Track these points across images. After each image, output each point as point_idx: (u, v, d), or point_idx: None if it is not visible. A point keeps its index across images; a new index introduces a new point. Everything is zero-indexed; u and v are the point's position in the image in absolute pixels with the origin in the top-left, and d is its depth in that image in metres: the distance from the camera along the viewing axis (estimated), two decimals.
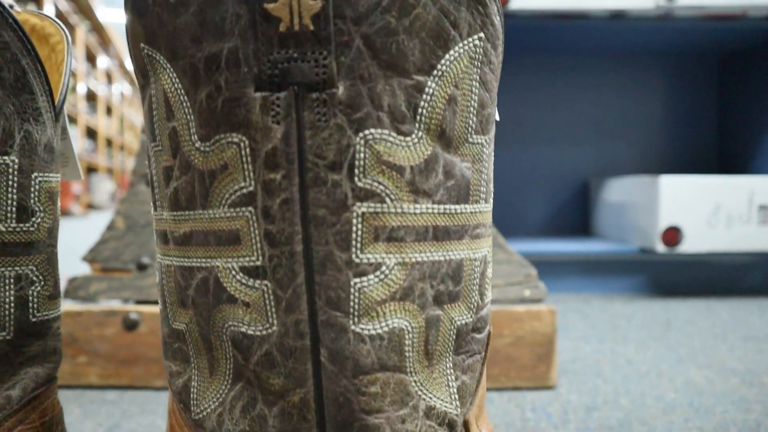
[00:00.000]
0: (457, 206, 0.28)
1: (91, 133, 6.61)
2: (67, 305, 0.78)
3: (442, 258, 0.28)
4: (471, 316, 0.30)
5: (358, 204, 0.26)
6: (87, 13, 6.18)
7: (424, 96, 0.27)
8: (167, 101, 0.28)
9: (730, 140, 1.53)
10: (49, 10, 4.68)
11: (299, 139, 0.26)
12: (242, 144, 0.26)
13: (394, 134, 0.26)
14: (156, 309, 0.77)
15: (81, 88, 5.64)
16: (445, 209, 0.28)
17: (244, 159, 0.26)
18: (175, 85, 0.27)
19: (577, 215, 1.56)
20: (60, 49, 0.35)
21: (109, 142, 7.37)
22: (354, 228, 0.26)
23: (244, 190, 0.26)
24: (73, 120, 5.51)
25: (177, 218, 0.29)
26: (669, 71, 1.56)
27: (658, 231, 1.21)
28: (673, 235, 1.21)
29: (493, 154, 0.31)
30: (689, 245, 1.22)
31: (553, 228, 1.56)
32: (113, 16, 9.25)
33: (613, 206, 1.42)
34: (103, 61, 6.85)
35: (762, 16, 1.25)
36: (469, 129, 0.28)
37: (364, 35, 0.26)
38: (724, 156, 1.55)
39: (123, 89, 8.13)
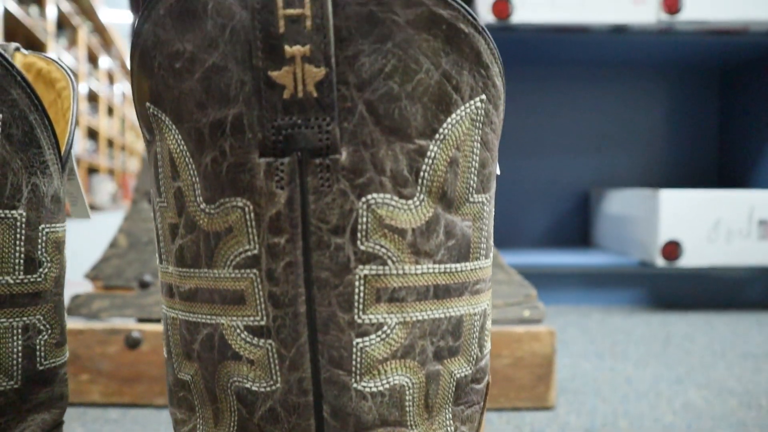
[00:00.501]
0: (458, 264, 0.29)
1: (92, 134, 6.62)
2: (69, 323, 0.78)
3: (442, 315, 0.29)
4: (470, 369, 0.31)
5: (361, 267, 0.27)
6: (89, 14, 6.19)
7: (426, 160, 0.27)
8: (172, 161, 0.28)
9: (731, 153, 1.53)
10: (51, 11, 4.68)
11: (303, 203, 0.26)
12: (247, 208, 0.26)
13: (396, 198, 0.27)
14: (158, 327, 0.78)
15: (83, 89, 5.65)
16: (445, 268, 0.28)
17: (248, 223, 0.27)
18: (180, 146, 0.28)
19: (577, 226, 1.56)
20: (66, 95, 0.35)
21: (110, 143, 7.38)
22: (356, 290, 0.27)
23: (249, 253, 0.27)
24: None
25: (182, 274, 0.29)
26: (670, 84, 1.56)
27: (658, 245, 1.22)
28: (672, 250, 1.22)
29: (493, 210, 0.31)
30: (689, 259, 1.22)
31: (554, 239, 1.56)
32: (115, 16, 9.25)
33: (613, 218, 1.42)
34: (104, 61, 6.86)
35: (763, 31, 1.26)
36: (470, 189, 0.29)
37: (367, 101, 0.26)
38: (724, 169, 1.55)
39: (124, 90, 8.14)
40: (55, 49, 4.83)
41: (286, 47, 0.25)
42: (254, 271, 0.27)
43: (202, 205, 0.27)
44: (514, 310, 0.79)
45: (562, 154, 1.56)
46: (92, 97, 6.71)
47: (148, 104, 0.29)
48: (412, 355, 0.28)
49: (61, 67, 0.37)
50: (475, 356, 0.31)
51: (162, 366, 0.77)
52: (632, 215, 1.33)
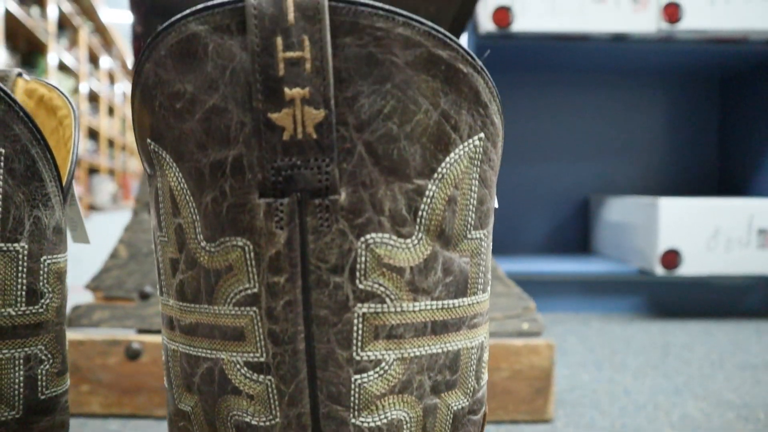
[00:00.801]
0: (456, 300, 0.29)
1: (93, 134, 6.62)
2: (70, 334, 0.78)
3: (439, 350, 0.29)
4: (467, 401, 0.31)
5: (359, 305, 0.27)
6: (90, 14, 6.19)
7: (425, 199, 0.27)
8: (173, 198, 0.28)
9: (731, 161, 1.53)
10: (52, 11, 4.68)
11: (302, 243, 0.26)
12: (247, 248, 0.27)
13: (394, 237, 0.27)
14: (158, 338, 0.78)
15: (83, 89, 5.65)
16: (443, 305, 0.29)
17: (248, 262, 0.27)
18: (181, 184, 0.28)
19: (577, 233, 1.56)
20: (67, 124, 0.36)
21: (110, 143, 7.38)
22: (355, 328, 0.27)
23: (249, 291, 0.27)
24: None
25: (183, 309, 0.29)
26: (670, 92, 1.56)
27: (658, 253, 1.22)
28: (672, 258, 1.22)
29: (491, 244, 0.31)
30: (688, 268, 1.22)
31: (554, 245, 1.56)
32: (116, 16, 9.26)
33: (613, 226, 1.43)
34: (105, 61, 6.86)
35: (763, 40, 1.26)
36: (468, 226, 0.29)
37: (366, 142, 0.26)
38: (724, 177, 1.56)
39: (125, 89, 8.15)
40: (56, 50, 4.83)
41: (286, 90, 0.26)
42: (254, 309, 0.27)
43: (203, 243, 0.28)
44: (513, 323, 0.79)
45: (562, 161, 1.56)
46: (93, 97, 6.71)
47: (149, 140, 0.29)
48: (410, 390, 0.29)
49: (62, 94, 0.37)
50: (472, 388, 0.31)
51: (162, 377, 0.78)
52: (632, 223, 1.33)
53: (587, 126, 1.56)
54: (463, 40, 1.31)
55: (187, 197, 0.28)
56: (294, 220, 0.26)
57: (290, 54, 0.25)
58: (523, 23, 1.23)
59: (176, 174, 0.28)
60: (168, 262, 0.30)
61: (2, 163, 0.30)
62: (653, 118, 1.56)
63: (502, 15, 1.23)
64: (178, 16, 0.26)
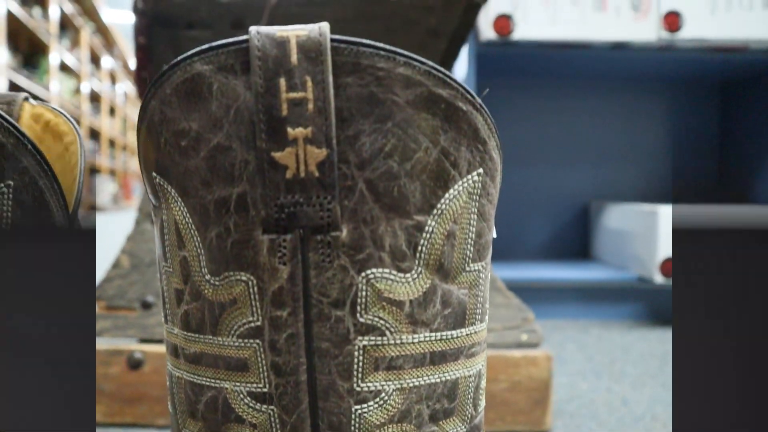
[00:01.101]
0: (454, 331, 0.30)
1: (94, 134, 6.63)
2: None
3: (438, 380, 0.30)
4: (465, 427, 0.32)
5: (360, 338, 0.28)
6: (91, 14, 6.20)
7: (424, 234, 0.28)
8: (178, 231, 0.29)
9: (731, 168, 1.54)
10: (54, 12, 4.69)
11: (304, 278, 0.27)
12: (250, 283, 0.27)
13: (394, 272, 0.28)
14: (160, 348, 0.79)
15: (85, 89, 5.66)
16: (442, 336, 0.29)
17: (252, 296, 0.28)
18: (186, 219, 0.29)
19: (577, 239, 1.57)
20: (73, 150, 0.36)
21: (111, 143, 7.39)
22: (355, 360, 0.28)
23: (252, 324, 0.28)
24: (77, 121, 5.52)
25: (188, 338, 0.30)
26: (671, 99, 1.57)
27: (657, 261, 1.23)
28: (671, 267, 1.22)
29: (489, 274, 0.32)
30: None
31: (554, 251, 1.57)
32: (117, 17, 9.27)
33: (612, 233, 1.43)
34: (107, 61, 6.87)
35: (763, 49, 1.26)
36: (467, 259, 0.30)
37: (367, 180, 0.27)
38: (724, 184, 1.56)
39: (126, 90, 8.16)
40: (58, 50, 4.84)
41: (289, 129, 0.26)
42: (257, 341, 0.28)
43: (207, 276, 0.28)
44: (512, 334, 0.80)
45: (563, 167, 1.57)
46: (94, 98, 6.72)
47: (154, 174, 0.30)
48: (409, 419, 0.29)
49: (69, 120, 0.38)
50: (469, 415, 0.32)
51: (163, 386, 0.78)
52: (631, 231, 1.34)
53: (588, 133, 1.57)
54: (464, 48, 1.31)
55: (192, 231, 0.28)
56: (296, 256, 0.27)
57: (293, 94, 0.26)
58: (524, 31, 1.24)
59: (181, 208, 0.29)
60: (173, 292, 0.30)
61: (11, 195, 0.30)
62: (654, 125, 1.57)
63: (503, 23, 1.24)
64: (184, 55, 0.27)
